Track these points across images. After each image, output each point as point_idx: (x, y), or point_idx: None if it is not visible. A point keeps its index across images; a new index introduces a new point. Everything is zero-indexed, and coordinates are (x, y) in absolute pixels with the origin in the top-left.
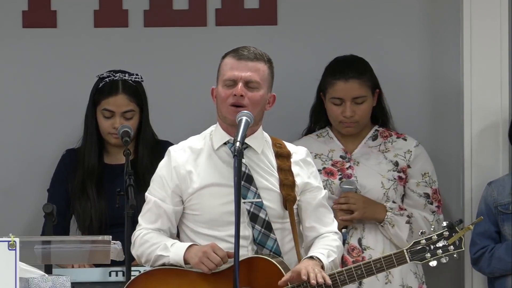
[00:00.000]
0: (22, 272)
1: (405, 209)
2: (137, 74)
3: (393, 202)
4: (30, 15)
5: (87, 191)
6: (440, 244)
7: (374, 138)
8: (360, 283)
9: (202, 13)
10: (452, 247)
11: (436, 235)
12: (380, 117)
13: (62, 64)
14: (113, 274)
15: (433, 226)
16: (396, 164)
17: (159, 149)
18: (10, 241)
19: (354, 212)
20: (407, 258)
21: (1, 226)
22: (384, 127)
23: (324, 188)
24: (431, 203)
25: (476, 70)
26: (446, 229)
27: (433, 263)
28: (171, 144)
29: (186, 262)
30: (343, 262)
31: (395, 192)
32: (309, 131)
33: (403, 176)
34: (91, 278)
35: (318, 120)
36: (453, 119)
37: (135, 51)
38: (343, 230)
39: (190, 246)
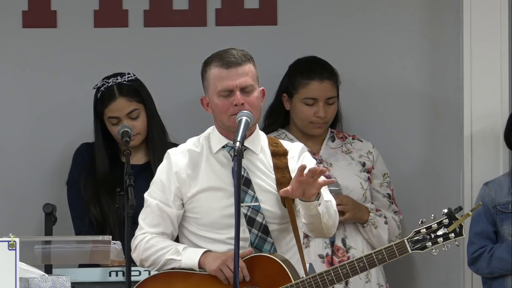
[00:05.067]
0: (22, 272)
1: (380, 210)
2: (129, 73)
3: (371, 203)
4: (30, 15)
5: (101, 201)
6: (440, 232)
7: (333, 139)
8: (347, 283)
9: (202, 13)
10: (452, 234)
11: (436, 223)
12: (334, 118)
13: (62, 64)
14: (113, 274)
15: (400, 227)
16: (364, 164)
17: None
18: (10, 241)
19: (345, 214)
20: (408, 248)
21: (5, 226)
22: (335, 128)
23: None
24: (392, 203)
25: (476, 71)
26: (445, 216)
27: (435, 252)
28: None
29: (200, 267)
30: (331, 263)
31: (370, 192)
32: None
33: (370, 177)
34: (91, 278)
35: (274, 121)
36: (453, 120)
37: (135, 51)
38: None
39: (206, 251)
